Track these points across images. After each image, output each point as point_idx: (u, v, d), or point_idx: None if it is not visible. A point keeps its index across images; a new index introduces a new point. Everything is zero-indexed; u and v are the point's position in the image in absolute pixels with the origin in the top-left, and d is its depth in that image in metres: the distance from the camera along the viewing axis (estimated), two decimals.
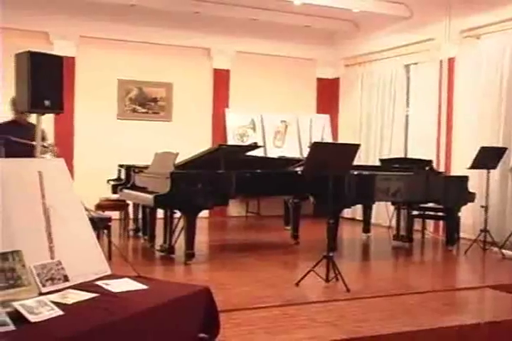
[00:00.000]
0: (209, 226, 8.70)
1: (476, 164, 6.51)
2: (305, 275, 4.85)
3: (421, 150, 8.45)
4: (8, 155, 4.56)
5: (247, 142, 9.34)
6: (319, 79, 10.56)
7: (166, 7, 8.72)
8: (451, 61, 8.15)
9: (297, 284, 4.80)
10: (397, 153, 8.81)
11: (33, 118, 4.72)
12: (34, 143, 4.58)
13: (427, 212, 7.51)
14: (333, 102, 10.47)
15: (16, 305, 2.50)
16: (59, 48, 8.11)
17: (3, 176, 3.00)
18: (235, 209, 9.70)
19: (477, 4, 7.63)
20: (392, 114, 9.15)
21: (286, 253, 6.47)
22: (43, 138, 5.42)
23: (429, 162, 7.30)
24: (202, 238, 7.04)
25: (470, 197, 6.94)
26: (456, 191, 6.85)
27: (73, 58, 8.58)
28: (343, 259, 5.90)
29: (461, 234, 7.19)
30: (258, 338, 3.50)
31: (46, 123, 5.22)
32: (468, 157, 6.63)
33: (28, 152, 4.48)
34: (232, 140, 9.62)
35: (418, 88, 8.85)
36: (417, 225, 7.57)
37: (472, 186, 6.96)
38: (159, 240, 6.40)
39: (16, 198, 3.04)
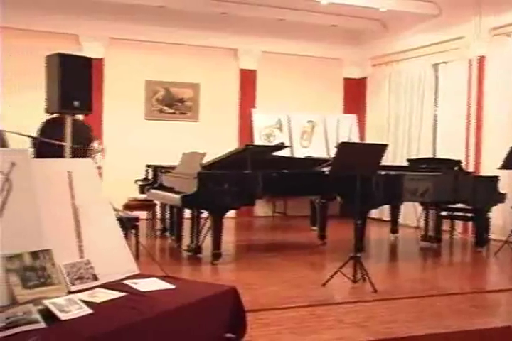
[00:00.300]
0: (236, 226, 8.72)
1: (507, 164, 6.41)
2: (332, 276, 4.83)
3: (450, 150, 8.35)
4: (47, 155, 4.58)
5: (274, 142, 9.34)
6: (346, 79, 10.50)
7: (194, 8, 8.77)
8: (480, 60, 8.03)
9: (324, 284, 4.79)
10: (425, 153, 8.72)
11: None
12: (64, 143, 4.65)
13: (455, 213, 7.42)
14: (360, 102, 10.41)
15: (47, 303, 2.54)
16: (88, 50, 8.22)
17: (33, 176, 3.04)
18: (261, 209, 9.70)
19: (507, 1, 7.51)
20: (420, 113, 9.06)
21: (312, 253, 6.45)
22: (91, 139, 5.48)
23: (458, 162, 7.21)
24: (229, 238, 7.06)
25: (500, 198, 6.84)
26: (486, 191, 6.75)
27: (101, 59, 8.69)
28: (370, 260, 5.86)
29: (491, 235, 7.09)
30: (285, 338, 3.50)
31: None
32: (499, 157, 6.52)
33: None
34: (258, 140, 9.63)
35: (447, 87, 8.74)
36: (446, 226, 7.49)
37: (502, 186, 6.86)
38: (186, 240, 6.44)
39: (45, 198, 3.08)
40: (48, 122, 5.33)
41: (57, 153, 4.61)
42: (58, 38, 8.22)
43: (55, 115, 5.11)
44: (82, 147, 5.40)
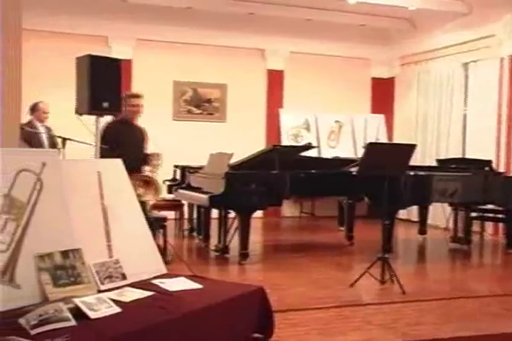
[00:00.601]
0: (263, 226, 8.72)
1: None
2: (360, 277, 4.81)
3: (480, 150, 8.22)
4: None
5: (301, 142, 9.33)
6: (374, 79, 10.43)
7: (221, 9, 8.79)
8: None
9: (352, 285, 4.76)
10: (455, 154, 8.61)
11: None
12: (93, 143, 4.71)
13: (485, 214, 7.32)
14: (388, 102, 10.33)
15: (77, 301, 2.58)
16: (116, 51, 8.32)
17: (64, 176, 3.09)
18: (288, 209, 9.69)
19: None
20: (450, 113, 8.95)
21: (340, 254, 6.43)
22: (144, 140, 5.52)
23: (489, 162, 7.11)
24: (256, 238, 7.06)
25: None
26: None
27: (130, 60, 8.77)
28: (398, 261, 5.82)
29: None
30: (312, 339, 3.50)
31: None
32: None
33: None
34: (286, 140, 9.62)
35: (477, 87, 8.62)
36: (476, 227, 7.39)
37: None
38: (214, 240, 6.47)
39: (75, 198, 3.13)
40: (111, 124, 5.35)
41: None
42: (88, 39, 8.32)
43: (118, 117, 5.24)
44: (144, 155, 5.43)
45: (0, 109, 3.21)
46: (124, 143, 5.08)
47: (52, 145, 6.35)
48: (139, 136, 5.41)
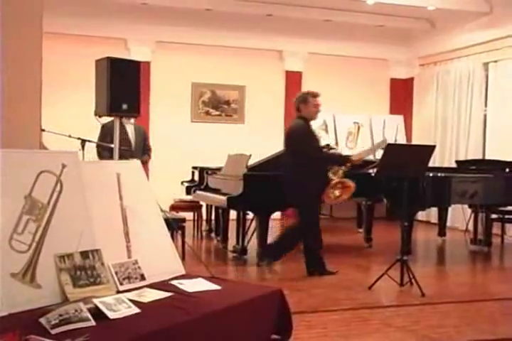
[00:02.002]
0: (281, 227, 8.70)
1: None
2: (379, 279, 4.78)
3: (500, 151, 8.14)
4: None
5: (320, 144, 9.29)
6: (393, 80, 10.38)
7: (239, 10, 8.81)
8: None
9: (370, 287, 4.74)
10: (475, 155, 8.54)
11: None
12: (112, 145, 4.74)
13: (506, 216, 7.24)
14: (407, 103, 10.27)
15: (96, 301, 2.60)
16: (135, 53, 8.39)
17: (83, 178, 3.12)
18: None
19: None
20: (470, 114, 8.87)
21: (358, 255, 6.40)
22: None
23: (510, 163, 7.04)
24: None
25: None
26: None
27: (148, 63, 8.82)
28: (417, 263, 5.79)
29: None
30: None
31: None
32: None
33: None
34: None
35: (497, 87, 8.53)
36: (496, 229, 7.31)
37: None
38: (232, 241, 6.48)
39: (95, 199, 3.15)
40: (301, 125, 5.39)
41: None
42: (107, 42, 8.40)
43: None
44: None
45: (21, 112, 3.24)
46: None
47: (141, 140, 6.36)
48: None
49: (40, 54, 3.38)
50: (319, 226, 5.27)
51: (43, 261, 2.75)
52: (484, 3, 8.41)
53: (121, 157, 4.85)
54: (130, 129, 6.16)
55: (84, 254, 2.91)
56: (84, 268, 2.87)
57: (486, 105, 8.80)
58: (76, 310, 2.45)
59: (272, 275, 5.44)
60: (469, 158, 8.31)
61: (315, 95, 5.30)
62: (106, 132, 5.65)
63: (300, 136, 5.17)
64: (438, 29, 9.51)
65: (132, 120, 6.13)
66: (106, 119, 5.20)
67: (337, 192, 5.05)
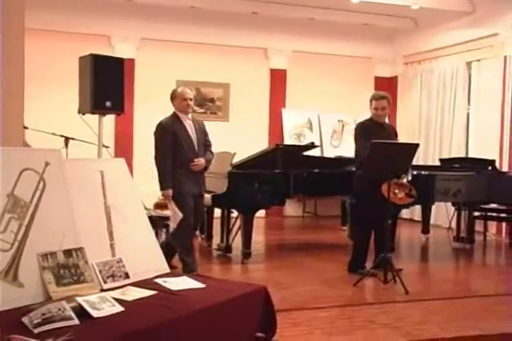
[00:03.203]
0: (266, 225, 8.72)
1: None
2: (363, 276, 4.81)
3: (483, 149, 8.22)
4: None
5: (304, 142, 9.32)
6: (377, 78, 10.42)
7: (224, 8, 8.80)
8: None
9: (355, 285, 4.76)
10: (458, 153, 8.61)
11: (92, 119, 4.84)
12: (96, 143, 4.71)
13: (489, 213, 7.31)
14: (391, 101, 10.29)
15: (80, 300, 2.58)
16: (120, 51, 8.33)
17: (67, 176, 3.09)
18: (291, 209, 9.68)
19: None
20: (453, 112, 8.94)
21: (343, 253, 6.40)
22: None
23: (492, 162, 7.10)
24: (259, 237, 7.07)
25: None
26: None
27: (133, 60, 8.78)
28: (401, 260, 5.81)
29: None
30: (315, 338, 3.49)
31: (107, 123, 5.37)
32: None
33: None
34: (288, 139, 9.62)
35: (480, 86, 8.60)
36: (479, 227, 7.37)
37: None
38: (216, 239, 6.47)
39: (78, 197, 3.13)
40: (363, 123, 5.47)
41: None
42: (91, 39, 8.33)
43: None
44: None
45: (2, 109, 3.21)
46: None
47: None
48: (391, 136, 5.36)
49: (22, 51, 3.35)
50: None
51: (25, 260, 2.72)
52: (467, 2, 8.48)
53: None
54: (189, 125, 5.07)
55: (68, 253, 2.89)
56: (67, 267, 2.85)
57: (469, 103, 8.87)
58: (59, 309, 2.43)
59: (256, 273, 5.45)
60: (453, 156, 8.37)
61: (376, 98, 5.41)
62: (164, 131, 4.91)
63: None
64: (422, 28, 9.57)
65: (190, 115, 5.16)
66: (159, 114, 5.05)
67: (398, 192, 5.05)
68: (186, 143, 4.94)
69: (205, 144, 5.22)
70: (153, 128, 4.99)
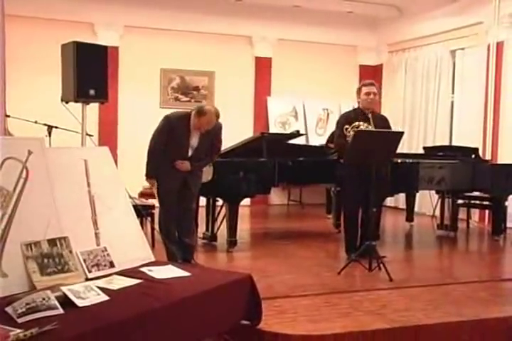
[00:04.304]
0: (251, 214, 8.73)
1: None
2: (347, 264, 4.84)
3: (466, 137, 8.27)
4: None
5: (289, 130, 9.32)
6: (362, 66, 10.42)
7: None
8: (499, 46, 7.92)
9: (340, 273, 4.79)
10: (442, 141, 8.65)
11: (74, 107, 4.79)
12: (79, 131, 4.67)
13: (472, 201, 7.37)
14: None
15: (64, 289, 2.57)
16: (103, 38, 8.23)
17: (50, 164, 3.07)
18: (276, 197, 9.70)
19: None
20: (437, 100, 8.97)
21: (328, 241, 6.45)
22: None
23: (476, 150, 7.15)
24: (244, 226, 7.08)
25: None
26: (504, 179, 6.68)
27: (117, 48, 8.68)
28: (386, 248, 5.85)
29: (508, 224, 7.03)
30: (300, 326, 3.51)
31: (91, 112, 5.33)
32: None
33: None
34: (274, 128, 9.61)
35: (464, 74, 8.64)
36: (462, 214, 7.44)
37: None
38: (202, 228, 6.47)
39: (62, 186, 3.11)
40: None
41: None
42: (74, 26, 8.22)
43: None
44: None
45: None
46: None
47: None
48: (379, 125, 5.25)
49: (3, 38, 3.30)
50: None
51: (9, 249, 2.71)
52: None
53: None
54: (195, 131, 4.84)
55: (52, 242, 2.88)
56: (51, 256, 2.84)
57: (453, 92, 8.91)
58: (43, 299, 2.42)
59: (241, 261, 5.46)
60: (437, 144, 8.41)
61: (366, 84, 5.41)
62: (167, 124, 4.80)
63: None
64: (406, 16, 9.56)
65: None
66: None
67: None
68: (180, 144, 4.79)
69: (211, 148, 4.98)
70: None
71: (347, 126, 5.14)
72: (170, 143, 4.78)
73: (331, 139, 6.59)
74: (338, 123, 5.42)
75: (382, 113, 10.05)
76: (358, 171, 5.01)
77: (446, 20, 8.68)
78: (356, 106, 5.49)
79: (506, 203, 6.90)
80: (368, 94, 5.29)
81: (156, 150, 4.81)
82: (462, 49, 8.67)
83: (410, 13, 9.42)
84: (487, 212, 7.69)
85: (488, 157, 7.75)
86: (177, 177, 4.82)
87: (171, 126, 4.81)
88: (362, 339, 3.46)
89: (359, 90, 5.38)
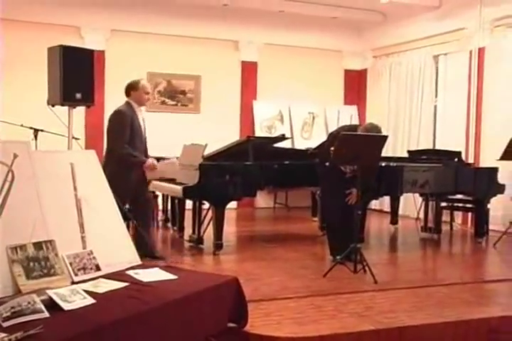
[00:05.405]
0: (237, 217, 8.73)
1: (506, 155, 6.40)
2: (333, 267, 4.84)
3: (450, 141, 8.34)
4: None
5: (275, 134, 9.33)
6: (347, 71, 10.48)
7: (195, 0, 8.72)
8: (481, 51, 8.00)
9: (325, 275, 4.79)
10: (426, 145, 8.72)
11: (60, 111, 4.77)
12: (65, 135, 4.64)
13: (455, 204, 7.43)
14: (361, 93, 10.39)
15: (50, 293, 2.55)
16: (89, 42, 8.22)
17: (36, 168, 3.04)
18: (262, 200, 9.71)
19: None
20: (421, 105, 9.04)
21: (313, 244, 6.46)
22: None
23: (458, 153, 7.20)
24: (230, 229, 7.08)
25: (499, 189, 6.83)
26: (486, 183, 6.75)
27: (103, 52, 8.66)
28: (370, 250, 5.88)
29: (490, 226, 7.09)
30: (286, 328, 3.51)
31: (77, 115, 5.30)
32: (498, 148, 6.52)
33: None
34: (260, 132, 9.62)
35: (447, 79, 8.72)
36: (446, 217, 7.49)
37: (502, 178, 6.85)
38: (188, 231, 6.45)
39: (48, 189, 3.09)
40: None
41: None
42: (60, 30, 8.19)
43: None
44: None
45: None
46: None
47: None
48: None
49: None
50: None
51: None
52: None
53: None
54: (141, 118, 5.19)
55: (38, 245, 2.85)
56: (37, 260, 2.81)
57: (436, 96, 8.98)
58: (29, 302, 2.40)
59: (227, 264, 5.45)
60: (420, 147, 8.47)
61: None
62: (125, 119, 4.98)
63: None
64: (390, 22, 9.63)
65: (143, 108, 5.33)
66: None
67: None
68: (138, 135, 5.07)
69: None
70: None
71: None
72: (131, 135, 4.99)
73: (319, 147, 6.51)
74: (329, 136, 5.43)
75: (367, 117, 10.23)
76: (340, 176, 5.02)
77: (430, 26, 8.76)
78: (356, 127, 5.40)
79: (488, 206, 6.96)
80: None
81: (126, 145, 4.95)
82: (445, 54, 8.74)
83: (394, 19, 9.49)
84: (470, 214, 7.74)
85: (470, 160, 7.82)
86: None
87: (128, 118, 5.02)
88: None
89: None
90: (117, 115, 5.04)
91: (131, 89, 5.18)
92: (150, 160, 5.11)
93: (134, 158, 4.99)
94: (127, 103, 5.14)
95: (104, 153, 5.13)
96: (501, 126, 7.54)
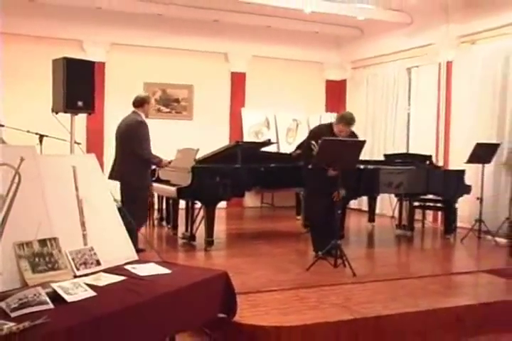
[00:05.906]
0: (227, 216, 8.73)
1: (472, 159, 6.47)
2: (315, 261, 4.86)
3: (421, 146, 8.40)
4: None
5: (262, 139, 9.34)
6: (328, 81, 10.52)
7: (188, 16, 8.74)
8: (448, 64, 8.09)
9: (308, 269, 4.81)
10: (400, 149, 8.76)
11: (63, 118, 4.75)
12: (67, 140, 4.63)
13: (427, 203, 7.47)
14: (341, 102, 10.43)
15: (54, 286, 2.55)
16: (91, 54, 8.18)
17: (41, 170, 3.04)
18: (250, 200, 9.71)
19: (473, 12, 7.56)
20: (395, 112, 9.10)
21: (297, 241, 6.48)
22: None
23: (429, 157, 7.26)
24: (220, 227, 7.07)
25: (466, 190, 6.89)
26: (454, 184, 6.81)
27: (103, 63, 8.63)
28: (350, 246, 5.90)
29: (458, 224, 7.14)
30: (272, 318, 3.52)
31: (79, 122, 5.28)
32: (465, 152, 6.58)
33: None
34: (247, 137, 9.63)
35: (419, 89, 8.79)
36: (418, 215, 7.54)
37: (468, 179, 6.91)
38: (182, 228, 6.45)
39: (52, 190, 3.08)
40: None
41: None
42: (64, 43, 8.15)
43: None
44: None
45: None
46: None
47: None
48: None
49: None
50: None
51: (2, 249, 2.67)
52: (406, 15, 8.63)
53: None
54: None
55: (43, 242, 2.85)
56: (42, 255, 2.81)
57: (409, 105, 9.04)
58: (35, 294, 2.40)
59: (218, 259, 5.46)
60: (395, 151, 8.52)
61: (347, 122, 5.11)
62: (147, 128, 5.57)
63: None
64: (367, 37, 9.69)
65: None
66: (127, 113, 5.58)
67: None
68: (149, 143, 5.49)
69: None
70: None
71: (313, 142, 4.91)
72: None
73: (299, 146, 6.56)
74: (310, 133, 5.41)
75: None
76: (324, 177, 5.03)
77: (403, 41, 8.82)
78: (330, 123, 5.32)
79: (456, 205, 7.01)
80: (340, 131, 5.10)
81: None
82: (417, 67, 8.81)
83: (371, 34, 9.55)
84: (440, 213, 7.79)
85: (440, 163, 7.87)
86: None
87: (148, 128, 5.50)
88: (328, 329, 3.49)
89: (340, 120, 5.12)
90: (142, 125, 5.42)
91: (145, 102, 5.59)
92: (166, 160, 5.57)
93: (157, 159, 5.47)
94: (138, 114, 5.53)
95: (111, 157, 5.73)
96: (468, 131, 7.60)
